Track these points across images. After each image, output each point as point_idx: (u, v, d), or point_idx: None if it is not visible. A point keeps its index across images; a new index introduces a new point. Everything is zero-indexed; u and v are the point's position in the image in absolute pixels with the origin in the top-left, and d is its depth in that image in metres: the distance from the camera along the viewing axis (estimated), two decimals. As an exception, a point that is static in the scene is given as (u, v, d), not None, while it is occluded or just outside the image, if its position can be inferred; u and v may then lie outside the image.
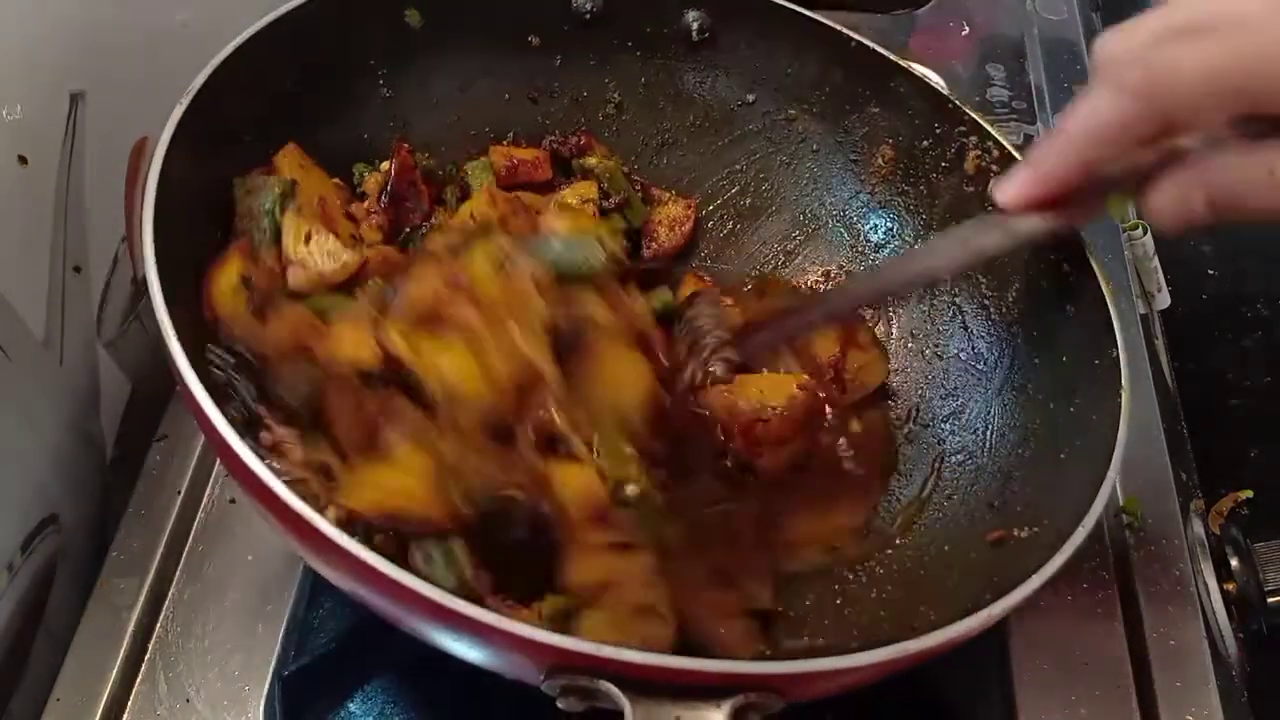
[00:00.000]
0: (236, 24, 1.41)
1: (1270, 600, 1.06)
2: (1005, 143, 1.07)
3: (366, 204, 1.13)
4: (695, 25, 1.24)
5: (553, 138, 1.24)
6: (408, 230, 1.14)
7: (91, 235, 1.16)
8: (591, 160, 1.23)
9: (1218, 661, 1.02)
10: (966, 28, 1.63)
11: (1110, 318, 0.95)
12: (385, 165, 1.15)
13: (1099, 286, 0.97)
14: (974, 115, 1.10)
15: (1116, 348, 0.93)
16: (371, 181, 1.14)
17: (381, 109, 1.19)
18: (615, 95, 1.28)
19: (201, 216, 0.99)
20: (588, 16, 1.24)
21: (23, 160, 1.04)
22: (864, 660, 0.75)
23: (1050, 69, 1.57)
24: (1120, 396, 0.90)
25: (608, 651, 0.71)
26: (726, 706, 0.71)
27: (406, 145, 1.16)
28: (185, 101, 0.98)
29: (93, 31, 1.14)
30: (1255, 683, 1.06)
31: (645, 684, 0.72)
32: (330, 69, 1.14)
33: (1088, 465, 0.86)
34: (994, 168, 1.08)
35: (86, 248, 1.15)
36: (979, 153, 1.10)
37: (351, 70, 1.17)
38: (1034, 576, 0.79)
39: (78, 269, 1.14)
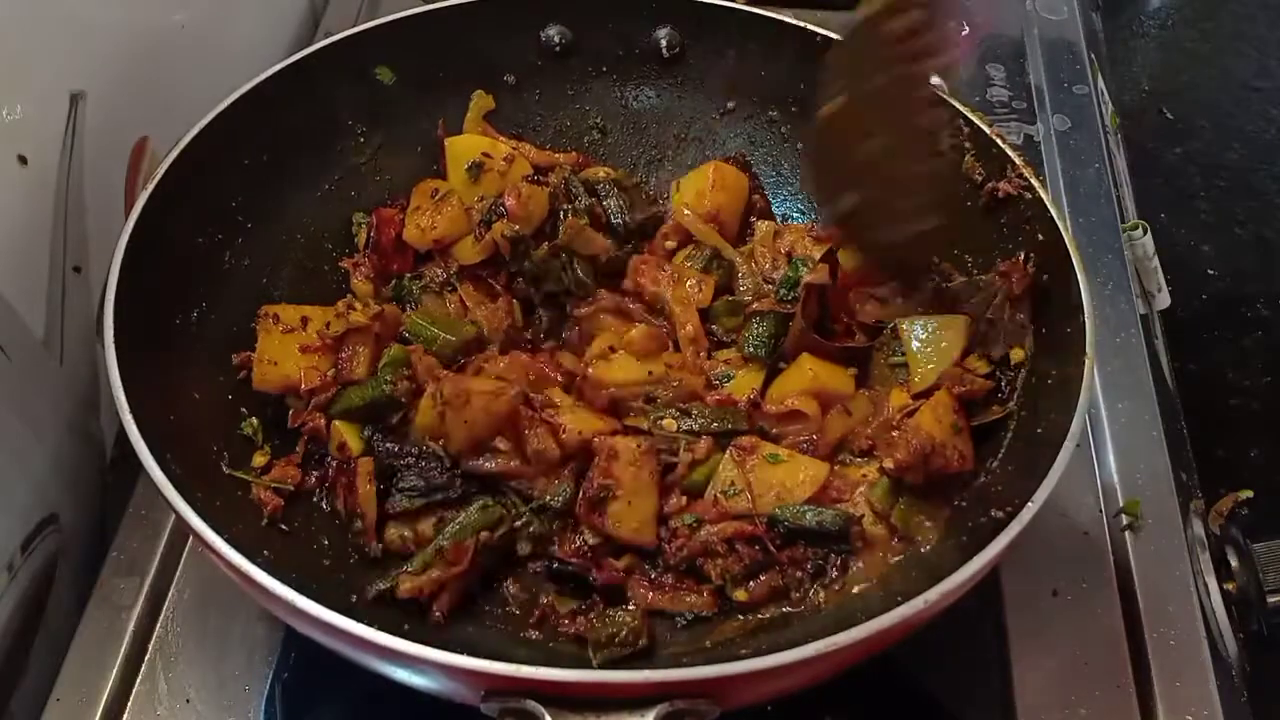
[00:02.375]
0: (233, 26, 1.42)
1: (1270, 600, 1.06)
2: (975, 119, 1.08)
3: (355, 259, 1.18)
4: (665, 42, 1.25)
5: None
6: (395, 279, 1.17)
7: (91, 235, 1.16)
8: (600, 173, 1.23)
9: (1218, 661, 1.02)
10: (966, 28, 1.63)
11: (1079, 284, 0.95)
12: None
13: (1069, 254, 0.97)
14: (942, 95, 1.10)
15: (1084, 314, 0.93)
16: (360, 235, 1.19)
17: (367, 164, 1.22)
18: (598, 120, 1.30)
19: (174, 295, 1.02)
20: (558, 49, 1.26)
21: (23, 160, 1.04)
22: (783, 660, 0.75)
23: (1050, 69, 1.57)
24: (1084, 363, 0.90)
25: (525, 672, 0.74)
26: (650, 715, 0.73)
27: (389, 204, 1.19)
28: (151, 185, 1.00)
29: (93, 31, 1.14)
30: (1255, 683, 1.06)
31: (566, 700, 0.75)
32: (307, 132, 1.17)
33: (1057, 439, 0.87)
34: (967, 145, 1.09)
35: (86, 248, 1.15)
36: (950, 131, 1.10)
37: (331, 131, 1.20)
38: (964, 567, 0.79)
39: (78, 269, 1.14)
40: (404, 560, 0.96)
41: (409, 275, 1.17)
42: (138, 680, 1.00)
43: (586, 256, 1.14)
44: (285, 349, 1.03)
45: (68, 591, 1.11)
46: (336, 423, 1.03)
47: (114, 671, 1.00)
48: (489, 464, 0.99)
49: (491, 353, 1.08)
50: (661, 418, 1.03)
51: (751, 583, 0.96)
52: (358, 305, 1.09)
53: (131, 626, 1.03)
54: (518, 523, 0.98)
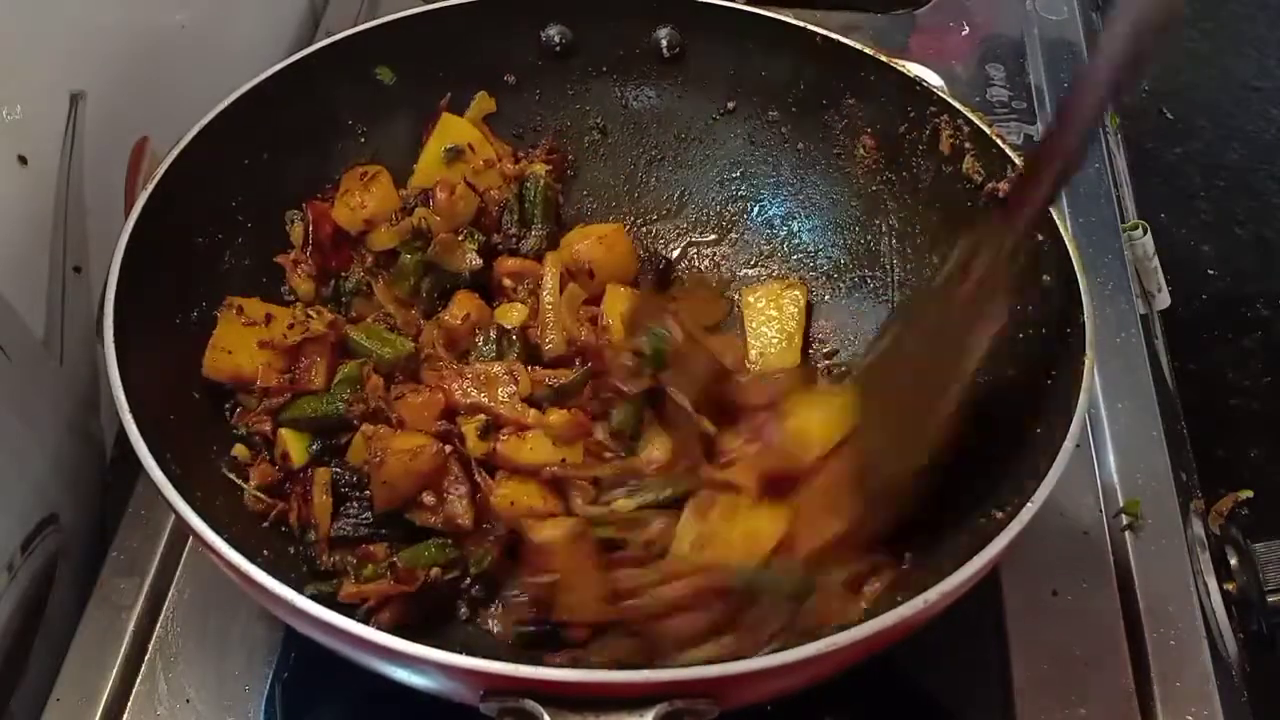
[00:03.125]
0: (233, 26, 1.42)
1: (1270, 600, 1.06)
2: (975, 119, 1.08)
3: (293, 254, 1.14)
4: (665, 42, 1.25)
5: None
6: (337, 277, 1.15)
7: (91, 235, 1.16)
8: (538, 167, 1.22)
9: (1218, 661, 1.02)
10: (966, 28, 1.63)
11: (1079, 285, 0.95)
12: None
13: (1068, 254, 0.97)
14: (943, 95, 1.10)
15: (1083, 314, 0.93)
16: (294, 232, 1.15)
17: (366, 162, 1.20)
18: (598, 120, 1.30)
19: (173, 304, 1.02)
20: (558, 49, 1.26)
21: (23, 160, 1.04)
22: (783, 660, 0.75)
23: (1050, 69, 1.57)
24: (1083, 364, 0.90)
25: (524, 671, 0.73)
26: (650, 715, 0.73)
27: (320, 195, 1.17)
28: (151, 184, 1.00)
29: (93, 32, 1.14)
30: (1255, 683, 1.06)
31: (565, 700, 0.74)
32: (308, 132, 1.16)
33: (1057, 439, 0.86)
34: (967, 145, 1.08)
35: (86, 248, 1.15)
36: (951, 132, 1.10)
37: (331, 130, 1.19)
38: (963, 568, 0.79)
39: (78, 269, 1.14)
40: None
41: (341, 275, 1.15)
42: (138, 680, 1.00)
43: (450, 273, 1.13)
44: (243, 340, 1.02)
45: (68, 591, 1.11)
46: (283, 430, 1.01)
47: (114, 671, 1.00)
48: (413, 517, 0.97)
49: (427, 377, 1.05)
50: (612, 500, 0.99)
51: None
52: (313, 313, 1.07)
53: (131, 626, 1.03)
54: (464, 582, 0.96)
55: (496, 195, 1.18)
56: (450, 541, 0.97)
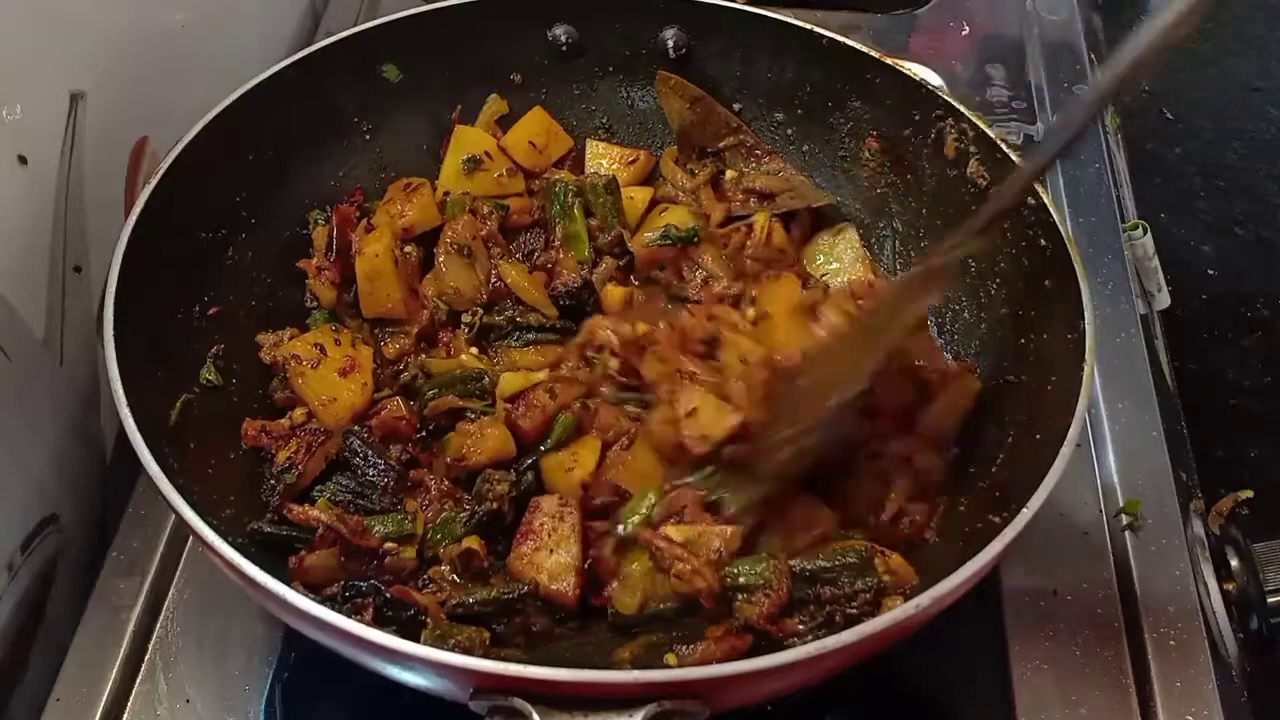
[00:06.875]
0: (233, 26, 1.42)
1: (1270, 600, 1.06)
2: (980, 123, 1.08)
3: (316, 260, 1.13)
4: (672, 43, 1.25)
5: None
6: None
7: (91, 235, 1.16)
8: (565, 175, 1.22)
9: (1218, 661, 1.02)
10: (966, 28, 1.63)
11: (1080, 290, 0.95)
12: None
13: (1070, 259, 0.97)
14: (947, 99, 1.10)
15: (1084, 320, 0.93)
16: (318, 235, 1.15)
17: (371, 159, 1.22)
18: (604, 120, 1.30)
19: (175, 299, 1.03)
20: (564, 48, 1.26)
21: (23, 160, 1.04)
22: (773, 662, 0.75)
23: (1050, 69, 1.57)
24: (1083, 369, 0.90)
25: (513, 670, 0.74)
26: (639, 716, 0.73)
27: (349, 198, 1.18)
28: (153, 182, 1.00)
29: (93, 31, 1.14)
30: (1255, 683, 1.06)
31: (553, 699, 0.74)
32: (313, 129, 1.17)
33: (1055, 445, 0.86)
34: (972, 149, 1.09)
35: (86, 248, 1.15)
36: (956, 135, 1.10)
37: (336, 128, 1.20)
38: (954, 575, 0.79)
39: (78, 269, 1.14)
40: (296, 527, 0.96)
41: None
42: (138, 680, 1.00)
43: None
44: (329, 382, 1.04)
45: (68, 591, 1.11)
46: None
47: (114, 671, 1.00)
48: None
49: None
50: None
51: None
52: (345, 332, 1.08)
53: (131, 626, 1.03)
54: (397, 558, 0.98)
55: (525, 204, 1.18)
56: (409, 518, 0.98)
